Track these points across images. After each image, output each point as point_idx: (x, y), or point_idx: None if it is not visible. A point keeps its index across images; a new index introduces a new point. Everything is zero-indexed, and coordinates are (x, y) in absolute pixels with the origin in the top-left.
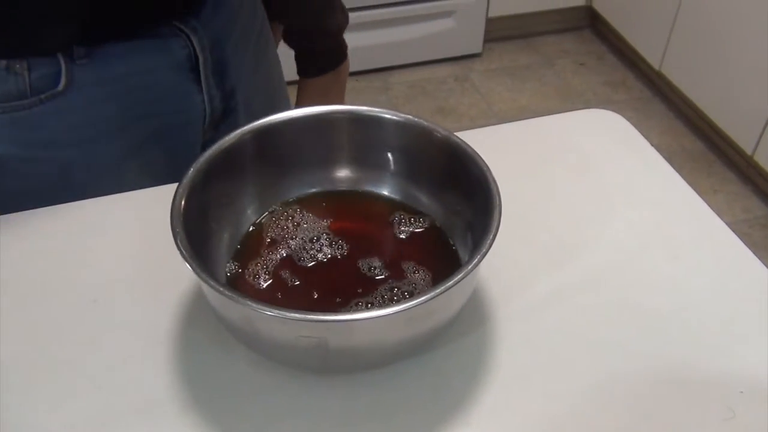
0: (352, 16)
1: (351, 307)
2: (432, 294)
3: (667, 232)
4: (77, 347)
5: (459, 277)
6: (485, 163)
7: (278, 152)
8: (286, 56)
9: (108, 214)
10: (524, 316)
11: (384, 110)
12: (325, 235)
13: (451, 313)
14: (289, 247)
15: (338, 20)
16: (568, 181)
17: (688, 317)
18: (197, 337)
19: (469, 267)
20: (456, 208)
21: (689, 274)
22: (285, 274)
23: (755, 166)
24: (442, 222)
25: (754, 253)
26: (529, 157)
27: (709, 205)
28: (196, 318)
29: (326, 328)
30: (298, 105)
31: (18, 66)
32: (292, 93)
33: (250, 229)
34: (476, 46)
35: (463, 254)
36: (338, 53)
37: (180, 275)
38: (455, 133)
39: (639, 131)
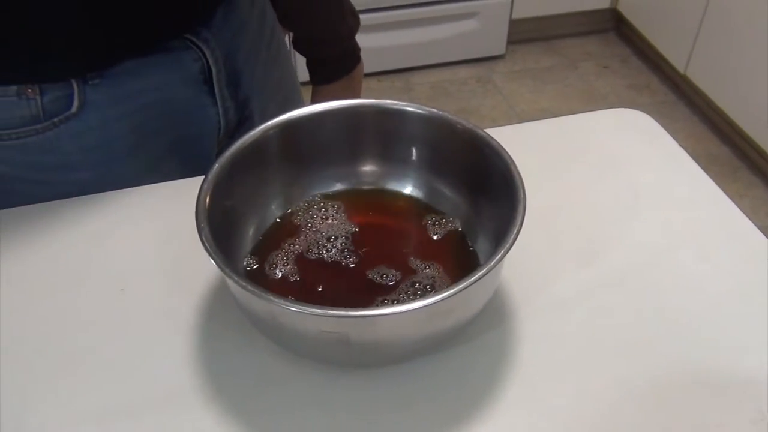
0: (375, 16)
1: (376, 303)
2: (455, 290)
3: (696, 234)
4: (103, 336)
5: (483, 272)
6: (510, 157)
7: (302, 147)
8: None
9: (137, 206)
10: (547, 314)
11: (408, 104)
12: (348, 232)
13: (473, 310)
14: (311, 242)
15: (349, 25)
16: (593, 180)
17: (716, 319)
18: (221, 328)
19: (493, 262)
20: (481, 204)
21: (718, 276)
22: (307, 268)
23: None
24: (465, 219)
25: None
26: (554, 156)
27: None
28: (220, 310)
29: (348, 323)
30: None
31: (30, 90)
32: (306, 92)
33: (275, 223)
34: (499, 47)
35: (482, 257)
36: (350, 59)
37: (205, 267)
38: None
39: None
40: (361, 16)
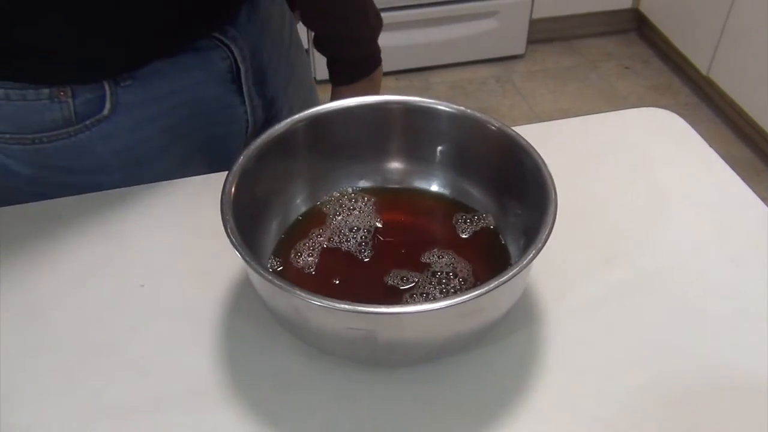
0: (394, 15)
1: (405, 299)
2: (484, 289)
3: (726, 235)
4: (124, 332)
5: (513, 272)
6: (541, 157)
7: (329, 141)
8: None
9: (158, 201)
10: (576, 315)
11: (437, 101)
12: (374, 227)
13: (502, 309)
14: (336, 237)
15: (371, 25)
16: (621, 181)
17: (746, 322)
18: (243, 324)
19: (524, 262)
20: (509, 204)
21: (748, 278)
22: (333, 263)
23: None
24: (495, 219)
25: None
26: (581, 156)
27: None
28: (242, 306)
29: (375, 320)
30: None
31: (62, 93)
32: (322, 92)
33: (299, 218)
34: (519, 47)
35: (514, 253)
36: (372, 60)
37: (227, 263)
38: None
39: None
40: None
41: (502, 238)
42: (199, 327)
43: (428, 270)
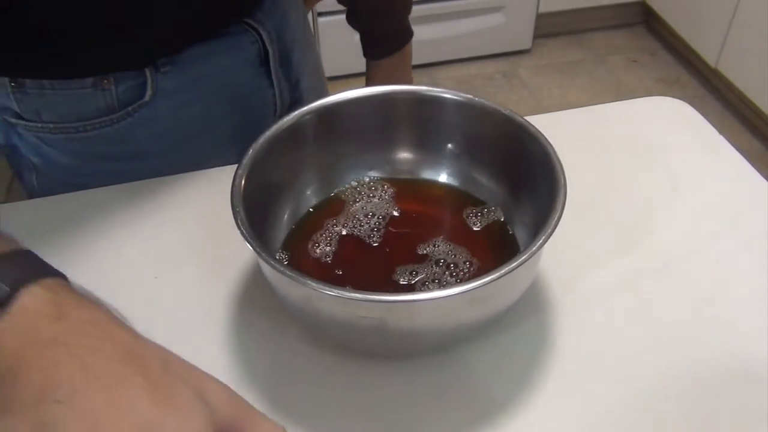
0: None
1: (416, 287)
2: (495, 275)
3: (738, 222)
4: (137, 323)
5: (523, 258)
6: (549, 143)
7: (338, 132)
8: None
9: (171, 194)
10: (586, 304)
11: (445, 90)
12: (385, 218)
13: (512, 297)
14: (346, 226)
15: None
16: (632, 169)
17: (759, 308)
18: (255, 316)
19: (534, 247)
20: (519, 193)
21: (761, 265)
22: (343, 252)
23: None
24: (504, 211)
25: None
26: (592, 144)
27: None
28: (254, 297)
29: (386, 308)
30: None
31: (105, 81)
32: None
33: (309, 210)
34: (525, 42)
35: (522, 245)
36: (406, 33)
37: (239, 254)
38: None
39: None
40: None
41: (510, 229)
42: (211, 319)
43: (440, 261)
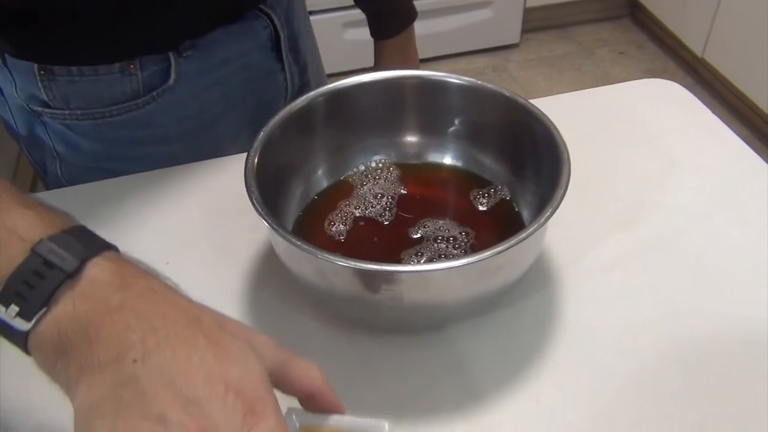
0: None
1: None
2: (504, 246)
3: (735, 198)
4: None
5: (531, 229)
6: (552, 122)
7: (346, 116)
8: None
9: (181, 182)
10: (592, 276)
11: (449, 74)
12: (394, 197)
13: (521, 268)
14: (362, 204)
15: None
16: (630, 149)
17: (760, 279)
18: (267, 297)
19: (541, 219)
20: (523, 174)
21: (759, 239)
22: (353, 231)
23: None
24: (510, 190)
25: None
26: (590, 126)
27: None
28: (266, 279)
29: (401, 279)
30: (380, 67)
31: (132, 66)
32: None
33: (320, 190)
34: (514, 36)
35: (529, 221)
36: (411, 10)
37: (249, 238)
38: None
39: None
40: None
41: (515, 206)
42: (224, 302)
43: (439, 237)
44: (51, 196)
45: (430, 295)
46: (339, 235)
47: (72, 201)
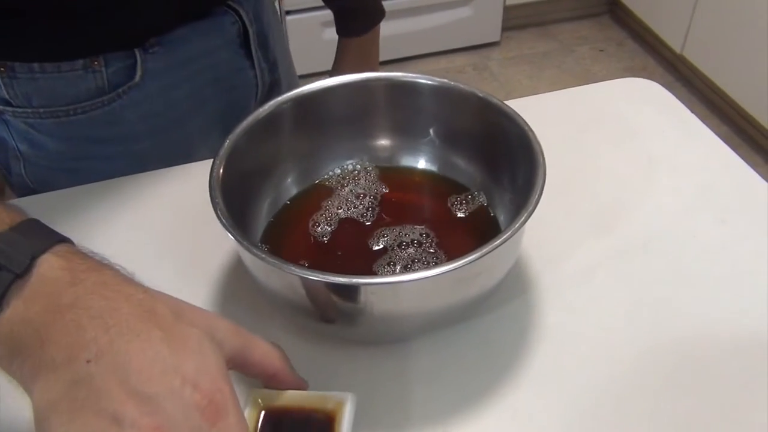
0: None
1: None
2: (478, 254)
3: (713, 197)
4: None
5: (506, 235)
6: (527, 123)
7: (316, 121)
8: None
9: (147, 189)
10: (569, 283)
11: (419, 75)
12: (376, 197)
13: (497, 276)
14: (339, 207)
15: None
16: (608, 149)
17: (739, 280)
18: (235, 307)
19: (516, 225)
20: (498, 176)
21: (738, 238)
22: (322, 238)
23: None
24: (485, 192)
25: None
26: (569, 126)
27: None
28: (234, 289)
29: (371, 291)
30: (339, 67)
31: (96, 62)
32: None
33: (291, 196)
34: (494, 34)
35: (504, 225)
36: (379, 10)
37: (217, 248)
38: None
39: None
40: None
41: (491, 210)
42: None
43: (426, 244)
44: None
45: (403, 306)
46: (323, 237)
47: (36, 209)
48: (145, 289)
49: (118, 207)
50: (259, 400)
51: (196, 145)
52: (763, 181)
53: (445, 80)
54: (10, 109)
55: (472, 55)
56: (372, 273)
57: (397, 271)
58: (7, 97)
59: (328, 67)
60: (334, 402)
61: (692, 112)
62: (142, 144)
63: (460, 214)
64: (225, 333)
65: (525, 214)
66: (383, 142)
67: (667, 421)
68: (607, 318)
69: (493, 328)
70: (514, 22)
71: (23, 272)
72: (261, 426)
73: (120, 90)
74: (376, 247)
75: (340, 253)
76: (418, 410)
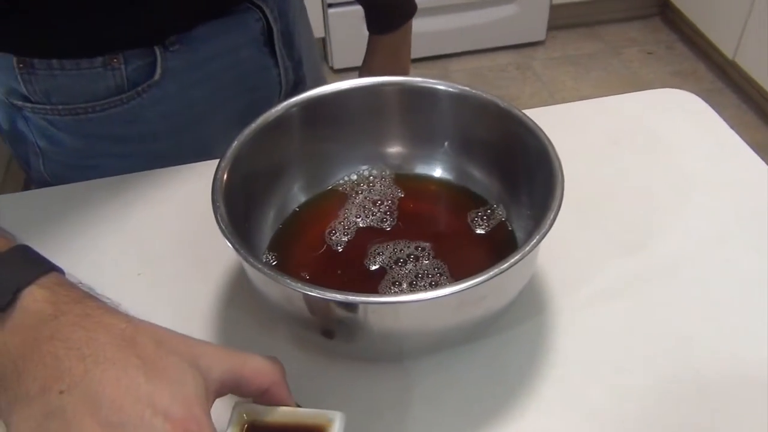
0: None
1: (404, 289)
2: (485, 276)
3: (750, 222)
4: None
5: (515, 258)
6: (547, 137)
7: (326, 126)
8: None
9: (161, 186)
10: (589, 306)
11: (438, 81)
12: (394, 201)
13: (507, 298)
14: (357, 215)
15: None
16: (638, 164)
17: None
18: (238, 314)
19: (527, 248)
20: (516, 188)
21: None
22: (336, 247)
23: None
24: (504, 205)
25: None
26: (597, 138)
27: None
28: (237, 294)
29: (371, 310)
30: (368, 66)
31: (115, 60)
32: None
33: (297, 207)
34: (539, 33)
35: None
36: (411, 5)
37: (224, 252)
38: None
39: None
40: None
41: (509, 224)
42: (195, 315)
43: (437, 261)
44: (27, 197)
45: (404, 326)
46: (338, 245)
47: (50, 202)
48: (129, 319)
49: (130, 203)
50: (244, 415)
51: (216, 146)
52: None
53: (466, 87)
54: (29, 105)
55: (515, 54)
56: (377, 288)
57: (404, 287)
58: (26, 93)
59: None
60: (323, 420)
61: (742, 119)
62: (161, 143)
63: (479, 231)
64: (212, 358)
65: (538, 236)
66: (397, 149)
67: None
68: (624, 347)
69: (502, 350)
70: (560, 21)
71: (6, 306)
72: None
73: (139, 88)
74: (386, 260)
75: (347, 264)
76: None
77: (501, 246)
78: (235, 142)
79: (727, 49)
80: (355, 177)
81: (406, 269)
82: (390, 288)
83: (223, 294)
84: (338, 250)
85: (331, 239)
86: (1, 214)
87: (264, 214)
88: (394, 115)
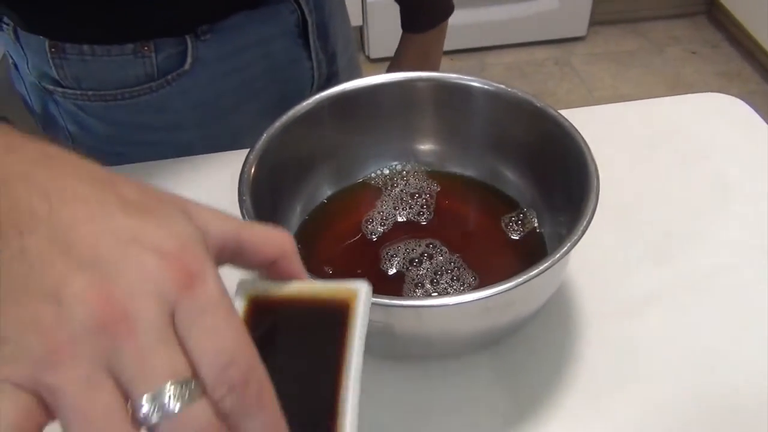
0: None
1: (430, 291)
2: (513, 283)
3: None
4: None
5: (545, 266)
6: (584, 140)
7: (357, 121)
8: None
9: (181, 177)
10: (617, 315)
11: (473, 78)
12: (432, 195)
13: (534, 305)
14: (395, 207)
15: None
16: (677, 170)
17: None
18: None
19: (557, 255)
20: (550, 191)
21: None
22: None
23: None
24: (536, 209)
25: None
26: (635, 142)
27: None
28: None
29: (392, 313)
30: (397, 64)
31: (146, 48)
32: (376, 70)
33: (325, 199)
34: (580, 28)
35: (550, 246)
36: (448, 5)
37: None
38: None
39: None
40: None
41: (539, 227)
42: None
43: (464, 264)
44: None
45: (425, 329)
46: (373, 234)
47: None
48: (105, 168)
49: None
50: (250, 292)
51: (245, 138)
52: None
53: (502, 85)
54: (60, 89)
55: (554, 49)
56: (402, 288)
57: (427, 287)
58: (57, 77)
59: None
60: (344, 293)
61: None
62: (189, 133)
63: (514, 236)
64: (208, 214)
65: (569, 244)
66: (429, 146)
67: None
68: (654, 360)
69: (527, 357)
70: (602, 17)
71: None
72: (251, 322)
73: (169, 77)
74: (412, 258)
75: (371, 261)
76: None
77: (531, 251)
78: (264, 135)
79: None
80: (387, 171)
81: (426, 269)
82: (413, 290)
83: None
84: (372, 239)
85: (366, 228)
86: None
87: (291, 206)
88: (426, 112)
